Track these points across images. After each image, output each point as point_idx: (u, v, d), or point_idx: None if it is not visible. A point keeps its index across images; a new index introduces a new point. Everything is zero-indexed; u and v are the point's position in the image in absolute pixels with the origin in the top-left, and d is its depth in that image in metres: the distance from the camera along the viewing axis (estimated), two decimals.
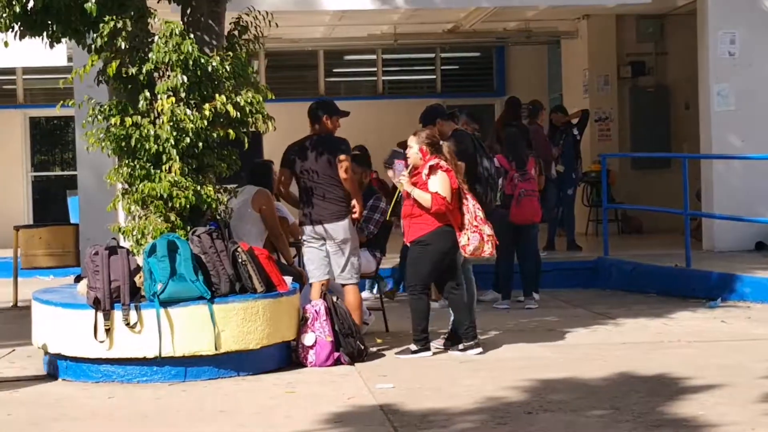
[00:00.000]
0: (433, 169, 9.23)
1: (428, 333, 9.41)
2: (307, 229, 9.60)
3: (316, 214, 9.53)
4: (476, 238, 9.22)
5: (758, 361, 8.70)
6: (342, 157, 9.54)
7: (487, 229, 9.27)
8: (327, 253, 9.61)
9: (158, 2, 9.67)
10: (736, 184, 14.63)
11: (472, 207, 9.26)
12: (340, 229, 9.53)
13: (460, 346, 9.42)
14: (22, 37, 9.12)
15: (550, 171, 14.94)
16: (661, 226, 17.49)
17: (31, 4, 8.82)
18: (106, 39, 8.87)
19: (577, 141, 16.09)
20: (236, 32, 9.57)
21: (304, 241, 9.71)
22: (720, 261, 13.56)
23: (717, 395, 7.49)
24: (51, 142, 22.38)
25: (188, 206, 8.89)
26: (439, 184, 9.19)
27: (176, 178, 8.85)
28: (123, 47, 8.89)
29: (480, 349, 9.35)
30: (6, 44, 9.14)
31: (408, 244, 9.55)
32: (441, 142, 9.42)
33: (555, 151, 15.55)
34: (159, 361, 8.41)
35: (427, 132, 9.57)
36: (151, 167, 8.98)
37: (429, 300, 9.59)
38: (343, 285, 9.69)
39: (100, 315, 8.40)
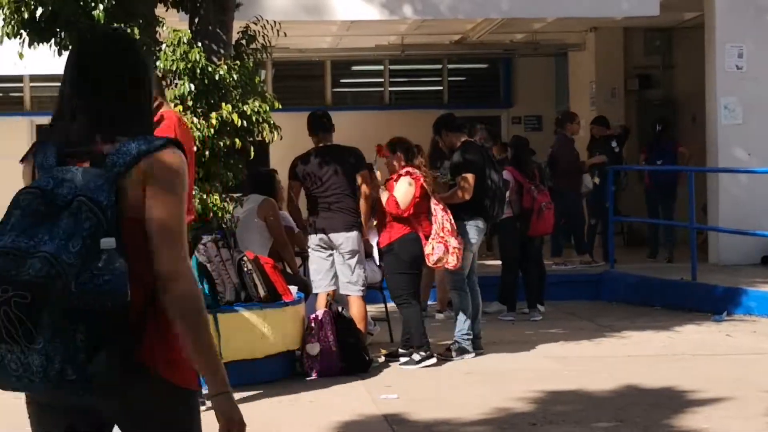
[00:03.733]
0: (402, 176, 9.32)
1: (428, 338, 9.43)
2: (315, 238, 9.61)
3: (326, 223, 9.53)
4: (441, 248, 9.26)
5: (763, 374, 8.69)
6: (364, 173, 9.62)
7: (454, 242, 9.31)
8: (333, 263, 9.61)
9: (166, 11, 9.69)
10: (742, 197, 14.59)
11: (440, 218, 9.32)
12: (349, 240, 9.54)
13: (410, 357, 9.38)
14: (30, 44, 9.13)
15: (576, 181, 15.03)
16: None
17: (39, 12, 8.84)
18: None
19: (617, 154, 16.03)
20: (244, 41, 9.59)
21: (311, 250, 9.70)
22: (726, 275, 13.54)
23: (722, 408, 7.49)
24: None
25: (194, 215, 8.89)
26: (400, 189, 9.33)
27: None
28: None
29: (434, 360, 9.37)
30: (21, 56, 9.14)
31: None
32: (416, 151, 9.56)
33: (596, 159, 15.53)
34: None
35: (399, 138, 9.67)
36: None
37: (419, 305, 9.63)
38: (348, 296, 9.69)
39: None
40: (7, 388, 2.97)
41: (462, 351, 9.63)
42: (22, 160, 3.29)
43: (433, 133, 10.65)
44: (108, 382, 2.92)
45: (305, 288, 9.82)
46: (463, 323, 9.67)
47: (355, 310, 9.62)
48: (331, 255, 9.61)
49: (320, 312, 9.18)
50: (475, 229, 9.82)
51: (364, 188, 9.62)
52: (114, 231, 2.96)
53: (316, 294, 9.71)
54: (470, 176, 9.75)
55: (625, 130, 16.77)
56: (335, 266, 9.63)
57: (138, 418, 3.10)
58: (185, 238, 3.11)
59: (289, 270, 10.29)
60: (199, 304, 3.12)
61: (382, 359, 9.50)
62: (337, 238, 9.53)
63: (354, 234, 9.56)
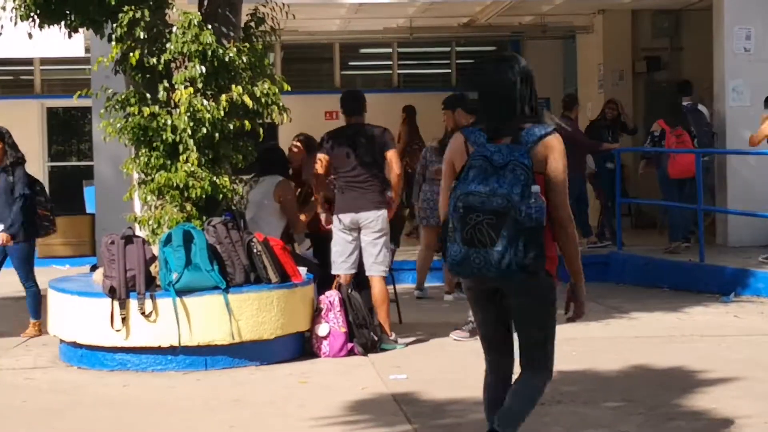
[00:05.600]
0: None
1: None
2: (344, 218, 9.52)
3: (355, 202, 9.48)
4: None
5: None
6: (391, 152, 9.59)
7: None
8: (356, 246, 9.57)
9: None
10: (750, 179, 14.61)
11: None
12: (379, 218, 9.50)
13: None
14: (41, 26, 9.17)
15: (581, 162, 15.02)
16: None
17: None
18: (125, 29, 8.91)
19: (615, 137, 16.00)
20: (253, 24, 9.61)
21: (336, 231, 9.62)
22: (733, 256, 13.55)
23: (730, 389, 7.51)
24: (68, 133, 22.45)
25: (204, 196, 8.93)
26: None
27: (192, 169, 8.89)
28: (142, 37, 8.92)
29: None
30: (30, 36, 9.19)
31: None
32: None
33: (607, 145, 15.47)
34: (174, 350, 8.46)
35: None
36: (168, 157, 9.03)
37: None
38: (372, 276, 9.64)
39: (116, 304, 8.45)
40: (467, 275, 4.99)
41: (473, 331, 9.69)
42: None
43: (447, 108, 10.45)
44: (534, 268, 4.86)
45: (315, 269, 9.84)
46: None
47: (378, 290, 9.55)
48: (355, 238, 9.59)
49: (329, 293, 9.22)
50: None
51: (394, 167, 9.57)
52: (533, 181, 4.86)
53: (326, 275, 9.70)
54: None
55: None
56: (358, 249, 9.58)
57: (523, 291, 5.05)
58: (567, 190, 5.04)
59: (298, 251, 10.32)
60: (574, 229, 5.11)
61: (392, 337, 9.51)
62: (367, 216, 9.50)
63: (383, 212, 9.51)
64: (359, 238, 9.54)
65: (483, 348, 5.39)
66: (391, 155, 9.55)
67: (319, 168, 9.65)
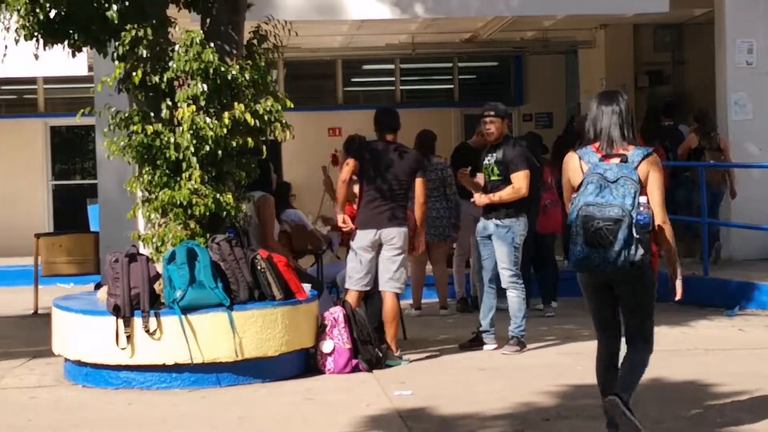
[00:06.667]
0: None
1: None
2: (367, 234, 9.51)
3: (380, 218, 9.49)
4: None
5: None
6: (421, 180, 9.62)
7: None
8: (375, 263, 9.59)
9: (178, 11, 9.73)
10: (753, 192, 14.60)
11: None
12: (401, 235, 9.52)
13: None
14: (45, 45, 9.19)
15: None
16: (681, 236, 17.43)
17: (53, 13, 8.89)
18: (127, 47, 8.93)
19: None
20: (255, 41, 9.62)
21: (356, 247, 9.58)
22: (738, 269, 13.55)
23: (734, 402, 7.51)
24: (71, 151, 22.49)
25: (207, 214, 8.94)
26: None
27: (196, 186, 8.90)
28: (144, 55, 8.95)
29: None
30: (36, 57, 9.19)
31: None
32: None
33: None
34: (178, 368, 8.46)
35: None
36: (171, 175, 9.04)
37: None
38: (385, 292, 9.63)
39: (120, 322, 8.45)
40: (588, 271, 6.20)
41: (521, 344, 9.85)
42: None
43: (498, 117, 10.21)
44: (642, 264, 6.05)
45: (319, 286, 9.84)
46: (521, 320, 9.86)
47: (389, 306, 9.56)
48: (375, 256, 9.54)
49: (334, 309, 9.22)
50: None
51: (419, 194, 9.59)
52: (641, 193, 6.04)
53: (347, 290, 9.64)
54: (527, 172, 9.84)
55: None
56: (381, 263, 9.60)
57: (633, 283, 6.23)
58: (664, 199, 6.26)
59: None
60: (671, 230, 6.33)
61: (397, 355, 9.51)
62: (389, 233, 9.50)
63: (405, 229, 9.54)
64: (377, 256, 9.55)
65: (596, 330, 6.58)
66: (420, 182, 9.60)
67: (347, 173, 9.63)
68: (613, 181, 6.04)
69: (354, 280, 9.59)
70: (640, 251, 5.98)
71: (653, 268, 6.27)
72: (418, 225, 9.72)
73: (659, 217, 6.20)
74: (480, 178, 10.03)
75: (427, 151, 12.20)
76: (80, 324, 8.80)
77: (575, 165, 6.33)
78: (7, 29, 9.08)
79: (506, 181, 9.81)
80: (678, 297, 6.46)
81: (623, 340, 6.51)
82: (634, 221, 5.95)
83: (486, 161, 9.98)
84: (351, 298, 9.51)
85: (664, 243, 6.30)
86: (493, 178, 9.90)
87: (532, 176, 9.98)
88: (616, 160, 6.17)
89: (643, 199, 6.02)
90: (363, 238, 9.52)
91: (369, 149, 9.71)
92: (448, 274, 12.91)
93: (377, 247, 9.52)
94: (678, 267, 6.45)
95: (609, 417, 6.29)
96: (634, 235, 5.96)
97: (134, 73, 8.97)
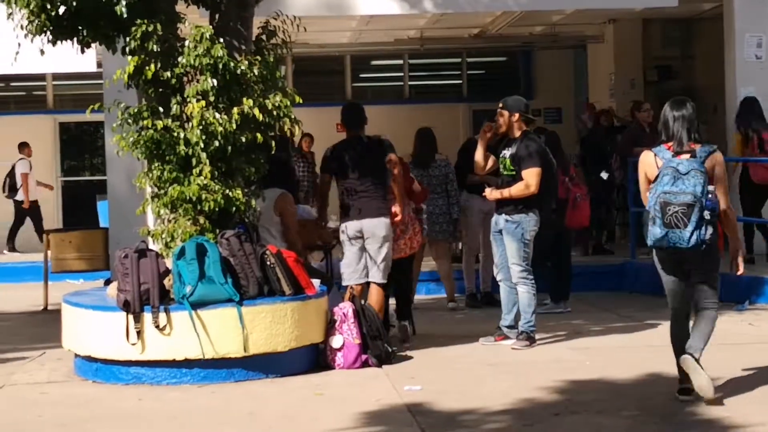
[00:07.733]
0: None
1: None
2: (350, 226, 9.67)
3: (359, 210, 9.62)
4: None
5: None
6: (392, 157, 9.70)
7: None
8: (363, 256, 9.65)
9: (187, 7, 9.74)
10: None
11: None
12: (383, 225, 9.61)
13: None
14: (54, 42, 9.20)
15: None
16: None
17: (62, 10, 8.90)
18: (138, 42, 8.93)
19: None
20: (264, 37, 9.63)
21: (343, 242, 9.76)
22: (747, 264, 13.48)
23: (743, 397, 7.51)
24: (81, 147, 22.53)
25: (217, 209, 8.94)
26: None
27: (205, 182, 8.90)
28: (155, 50, 8.95)
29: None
30: (42, 52, 9.20)
31: None
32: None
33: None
34: (188, 363, 8.47)
35: None
36: (181, 171, 9.05)
37: None
38: (372, 283, 9.74)
39: (131, 317, 8.47)
40: (665, 248, 7.19)
41: (531, 339, 9.86)
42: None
43: (511, 112, 10.12)
44: (711, 242, 7.11)
45: (328, 281, 9.85)
46: (531, 315, 9.85)
47: (375, 298, 9.68)
48: (362, 247, 9.66)
49: (343, 304, 9.23)
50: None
51: (395, 171, 9.68)
52: (708, 183, 7.11)
53: (340, 287, 9.75)
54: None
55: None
56: (365, 258, 9.68)
57: (702, 258, 7.24)
58: (728, 188, 7.44)
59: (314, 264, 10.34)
60: (734, 215, 7.59)
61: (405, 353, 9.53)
62: (372, 223, 9.61)
63: (387, 219, 9.65)
64: (364, 247, 9.63)
65: (669, 300, 7.57)
66: (393, 157, 9.71)
67: (324, 187, 10.01)
68: (685, 173, 7.07)
69: (347, 275, 9.79)
70: (710, 230, 7.07)
71: (718, 246, 7.31)
72: (396, 195, 9.81)
73: (723, 203, 7.28)
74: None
75: (429, 149, 12.23)
76: (90, 320, 8.82)
77: (651, 161, 7.36)
78: (23, 27, 9.09)
79: (518, 177, 9.82)
80: (740, 272, 7.55)
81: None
82: (704, 206, 7.02)
83: (501, 154, 10.01)
84: (357, 293, 9.57)
85: (729, 226, 7.42)
86: (505, 172, 9.92)
87: (548, 174, 9.95)
88: (687, 156, 7.21)
89: (710, 188, 7.10)
90: (346, 228, 9.73)
91: (335, 155, 9.89)
92: (453, 269, 12.91)
93: (362, 238, 9.67)
94: (740, 248, 7.57)
95: (682, 374, 7.31)
96: (705, 217, 7.02)
97: (147, 68, 8.97)
